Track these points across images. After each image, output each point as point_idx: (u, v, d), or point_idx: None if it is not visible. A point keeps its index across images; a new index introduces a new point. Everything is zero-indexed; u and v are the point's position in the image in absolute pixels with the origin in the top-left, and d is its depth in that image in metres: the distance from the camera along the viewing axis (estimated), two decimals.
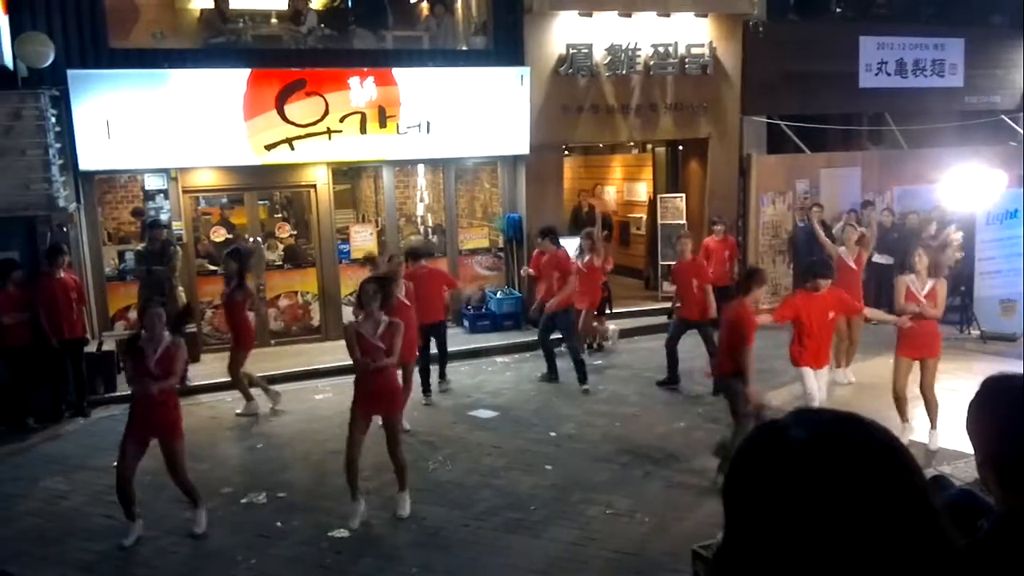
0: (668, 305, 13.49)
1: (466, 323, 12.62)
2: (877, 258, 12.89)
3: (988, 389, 2.02)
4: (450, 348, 11.48)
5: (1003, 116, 15.17)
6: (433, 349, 9.69)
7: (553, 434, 8.46)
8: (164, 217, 11.13)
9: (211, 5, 12.00)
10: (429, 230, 13.38)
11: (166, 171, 11.25)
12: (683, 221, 13.91)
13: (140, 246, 10.63)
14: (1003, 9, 15.49)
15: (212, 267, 11.88)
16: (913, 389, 7.94)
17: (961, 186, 12.35)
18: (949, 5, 15.26)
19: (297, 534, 6.53)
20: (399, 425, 6.69)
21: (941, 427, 7.85)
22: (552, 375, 10.26)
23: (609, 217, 15.72)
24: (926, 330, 7.80)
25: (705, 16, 13.07)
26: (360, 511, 6.58)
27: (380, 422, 6.69)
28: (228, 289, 9.30)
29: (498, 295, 12.62)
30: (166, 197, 11.36)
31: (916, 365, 7.88)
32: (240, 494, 7.27)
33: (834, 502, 1.06)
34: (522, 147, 12.27)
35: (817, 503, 1.06)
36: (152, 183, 11.40)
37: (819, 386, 7.67)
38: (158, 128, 10.60)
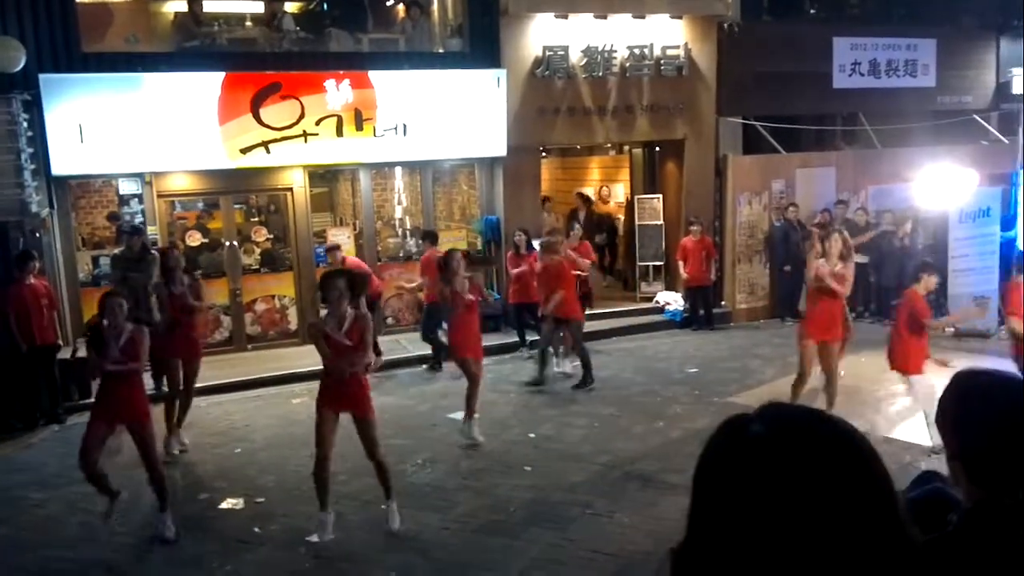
0: (650, 305, 13.64)
1: (444, 325, 12.57)
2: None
3: (957, 384, 2.04)
4: (428, 350, 11.53)
5: (975, 116, 15.34)
6: None
7: (532, 435, 8.47)
8: (139, 221, 11.04)
9: (185, 8, 11.93)
10: (407, 233, 13.35)
11: (140, 175, 11.17)
12: (660, 221, 13.98)
13: (117, 250, 10.53)
14: (973, 10, 15.69)
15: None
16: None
17: (934, 185, 12.49)
18: (921, 6, 15.42)
19: (275, 539, 6.49)
20: (374, 427, 6.37)
21: (918, 422, 7.92)
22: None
23: (613, 220, 15.70)
24: (835, 311, 7.99)
25: (680, 18, 13.13)
26: (330, 523, 6.34)
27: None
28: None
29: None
30: (141, 202, 11.27)
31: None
32: (217, 500, 7.23)
33: (793, 496, 1.07)
34: (499, 149, 12.28)
35: (776, 497, 1.07)
36: (126, 187, 11.31)
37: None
38: (132, 132, 10.52)
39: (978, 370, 2.10)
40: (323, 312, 6.70)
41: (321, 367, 6.51)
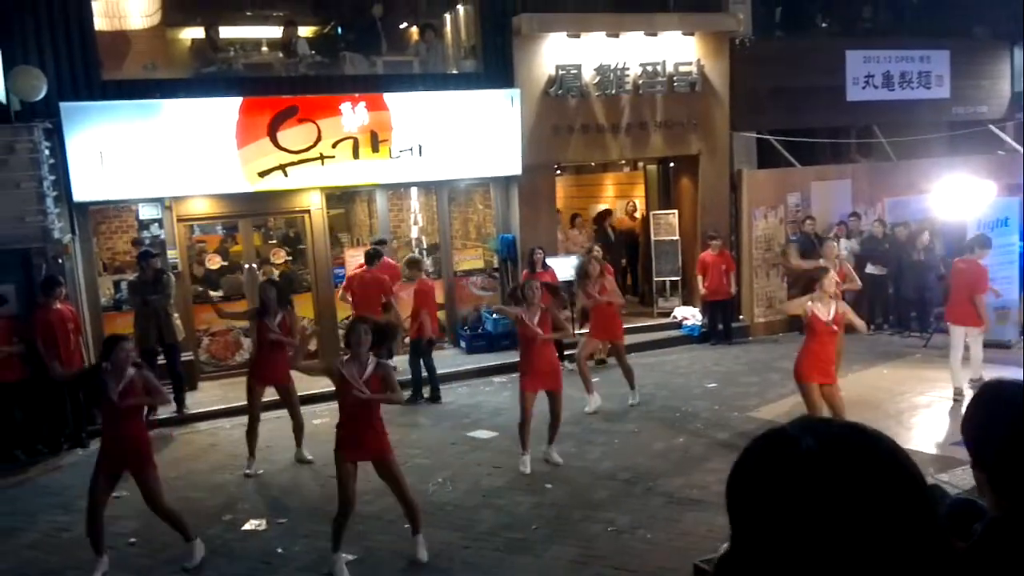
0: (667, 320, 13.63)
1: (463, 344, 12.64)
2: (870, 268, 13.00)
3: (982, 395, 2.05)
4: (448, 369, 11.58)
5: (991, 126, 15.29)
6: None
7: (544, 453, 8.46)
8: (159, 246, 11.18)
9: (202, 35, 12.11)
10: (424, 252, 13.43)
11: (160, 200, 11.29)
12: (676, 237, 13.99)
13: (133, 276, 10.65)
14: (986, 20, 15.66)
15: (212, 294, 11.94)
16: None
17: (951, 196, 12.45)
18: (933, 17, 15.41)
19: (299, 560, 6.52)
20: (395, 465, 6.29)
21: (938, 434, 7.87)
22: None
23: (636, 236, 15.66)
24: (829, 353, 7.73)
25: (692, 35, 13.18)
26: (342, 563, 6.17)
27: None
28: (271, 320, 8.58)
29: (494, 316, 12.65)
30: (160, 226, 11.40)
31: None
32: (240, 521, 7.26)
33: (847, 510, 1.07)
34: (514, 168, 12.34)
35: (830, 511, 1.07)
36: (146, 213, 11.44)
37: None
38: (151, 158, 10.65)
39: (1004, 381, 2.10)
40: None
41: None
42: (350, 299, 10.73)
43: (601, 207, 16.20)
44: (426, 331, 10.61)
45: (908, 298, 13.11)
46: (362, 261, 11.12)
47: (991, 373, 9.73)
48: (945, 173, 12.84)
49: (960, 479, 6.02)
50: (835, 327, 7.61)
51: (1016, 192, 12.84)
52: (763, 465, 1.15)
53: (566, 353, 11.06)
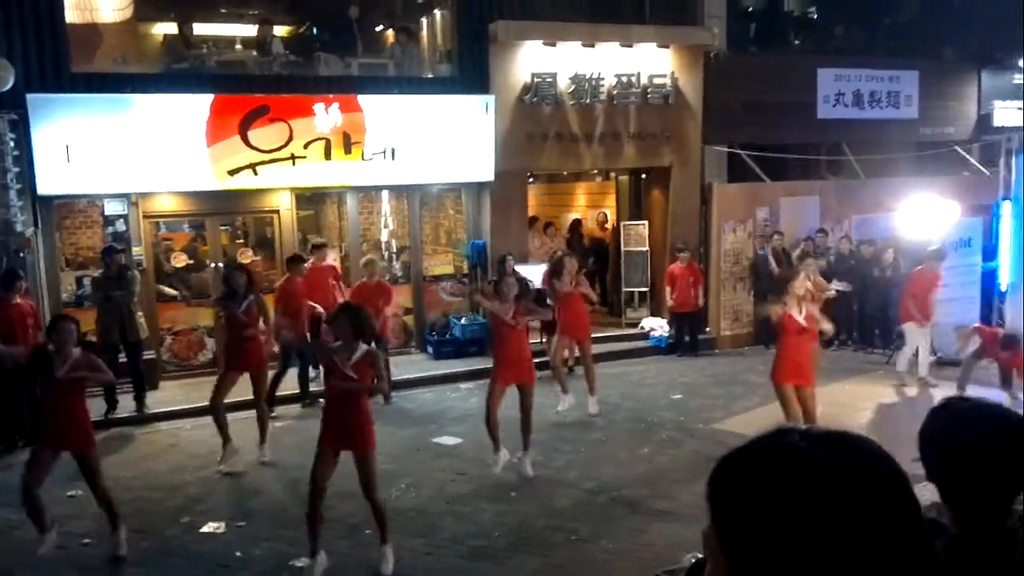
0: (635, 331, 13.67)
1: (430, 349, 12.58)
2: (835, 285, 13.11)
3: (939, 412, 2.08)
4: (414, 374, 11.53)
5: (956, 147, 15.54)
6: None
7: (517, 460, 8.43)
8: (125, 242, 11.02)
9: (175, 31, 11.98)
10: (393, 256, 13.36)
11: (127, 196, 11.13)
12: (646, 248, 14.04)
13: (97, 272, 10.48)
14: (955, 43, 15.95)
15: (172, 292, 11.77)
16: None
17: (917, 215, 12.62)
18: (904, 39, 15.66)
19: (257, 564, 6.43)
20: (374, 462, 6.22)
21: (898, 449, 7.93)
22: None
23: (607, 246, 15.69)
24: (804, 355, 7.94)
25: (667, 47, 13.27)
26: (321, 566, 6.08)
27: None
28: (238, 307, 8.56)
29: (462, 321, 12.61)
30: (126, 222, 11.24)
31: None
32: (199, 523, 7.14)
33: (856, 522, 1.04)
34: (487, 174, 12.33)
35: (840, 522, 1.04)
36: (112, 208, 11.27)
37: None
38: (119, 153, 10.51)
39: (953, 399, 2.13)
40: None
41: (313, 390, 6.46)
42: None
43: (573, 216, 16.24)
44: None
45: (872, 315, 13.26)
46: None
47: (953, 391, 9.88)
48: (911, 192, 13.02)
49: (920, 494, 6.08)
50: (805, 325, 7.79)
51: (980, 213, 13.07)
52: (775, 476, 1.08)
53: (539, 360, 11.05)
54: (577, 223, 15.85)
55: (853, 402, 10.27)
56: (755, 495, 1.07)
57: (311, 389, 10.33)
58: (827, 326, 8.23)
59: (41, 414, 6.51)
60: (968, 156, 15.61)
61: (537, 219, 14.85)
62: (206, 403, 8.76)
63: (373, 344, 6.35)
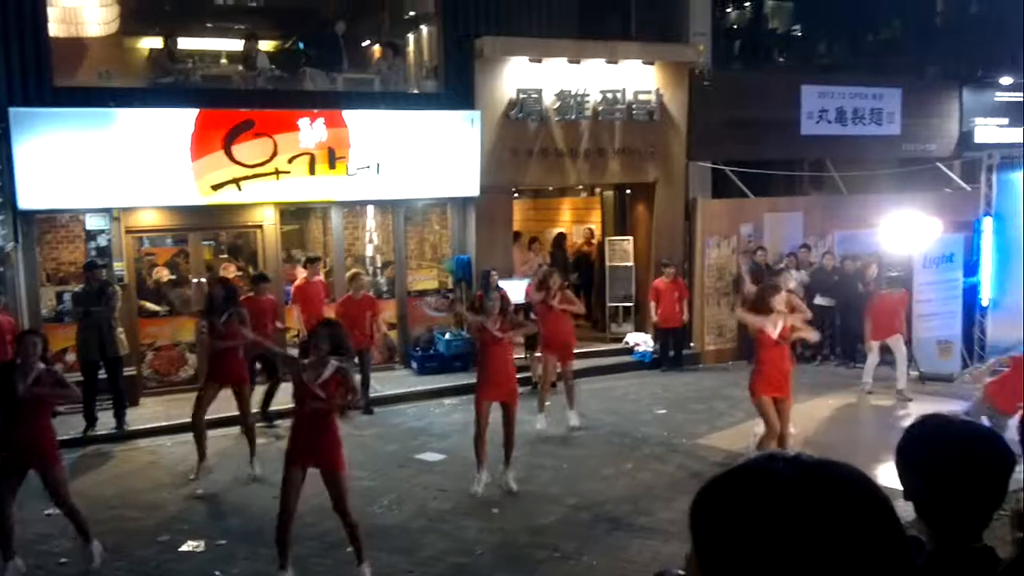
0: (619, 346, 13.67)
1: (414, 364, 12.54)
2: (819, 300, 13.19)
3: (915, 430, 2.07)
4: (398, 390, 11.49)
5: (938, 163, 15.66)
6: None
7: (499, 476, 8.38)
8: (106, 257, 10.95)
9: (160, 45, 11.95)
10: (378, 271, 13.33)
11: (109, 211, 11.07)
12: (631, 263, 14.06)
13: (78, 287, 10.41)
14: (937, 61, 16.11)
15: (154, 308, 11.69)
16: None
17: (899, 231, 12.70)
18: (886, 56, 15.81)
19: None
20: (344, 482, 6.14)
21: (880, 465, 7.95)
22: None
23: (592, 260, 15.70)
24: (783, 368, 7.95)
25: (652, 64, 13.34)
26: None
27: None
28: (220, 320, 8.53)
29: (447, 336, 12.57)
30: (108, 237, 11.18)
31: None
32: (178, 542, 7.06)
33: (829, 545, 1.04)
34: (472, 189, 12.34)
35: (813, 546, 1.03)
36: (94, 223, 11.20)
37: None
38: (102, 167, 10.46)
39: (931, 417, 2.12)
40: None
41: (291, 407, 6.39)
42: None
43: (557, 231, 16.23)
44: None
45: (855, 330, 13.29)
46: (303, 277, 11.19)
47: (933, 406, 9.91)
48: (894, 208, 13.09)
49: (902, 511, 6.08)
50: (782, 341, 7.82)
51: (961, 229, 13.16)
52: (750, 500, 1.08)
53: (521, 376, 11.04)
54: (561, 237, 15.85)
55: (836, 417, 10.29)
56: (734, 521, 1.07)
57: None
58: (809, 334, 8.28)
59: (3, 431, 6.36)
60: (950, 172, 15.73)
61: (520, 234, 14.85)
62: (187, 420, 8.70)
63: (356, 358, 6.32)
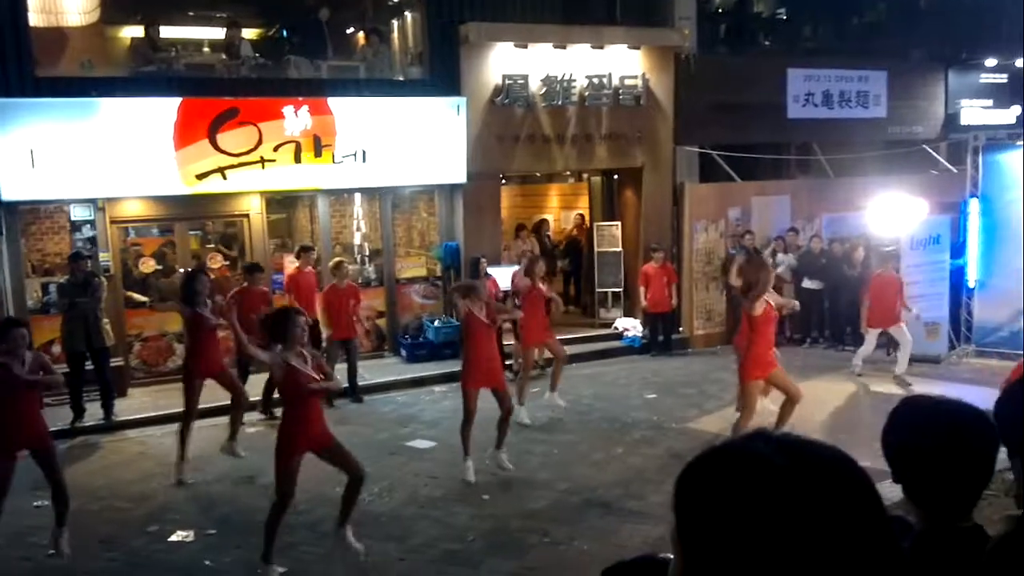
0: (609, 331, 13.68)
1: (403, 352, 12.52)
2: (807, 283, 13.23)
3: (900, 411, 2.07)
4: (388, 377, 11.48)
5: (924, 145, 15.71)
6: None
7: (491, 463, 8.39)
8: (91, 248, 10.88)
9: (141, 34, 11.84)
10: (366, 259, 13.29)
11: (93, 201, 10.99)
12: (619, 248, 14.06)
13: (63, 279, 10.33)
14: (922, 44, 16.13)
15: (140, 298, 11.61)
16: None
17: (886, 213, 12.74)
18: (872, 39, 15.82)
19: (227, 573, 6.35)
20: (339, 442, 6.35)
21: (868, 446, 8.00)
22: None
23: (581, 246, 15.69)
24: (768, 349, 8.04)
25: (638, 49, 13.31)
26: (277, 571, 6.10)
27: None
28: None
29: (436, 324, 12.56)
30: (93, 228, 11.09)
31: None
32: (167, 532, 7.04)
33: (814, 526, 1.03)
34: (459, 176, 12.29)
35: (797, 527, 1.03)
36: (79, 213, 11.12)
37: None
38: (86, 158, 10.37)
39: (915, 398, 2.12)
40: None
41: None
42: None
43: (547, 217, 16.21)
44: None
45: (843, 313, 13.35)
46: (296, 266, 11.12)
47: (921, 388, 9.99)
48: (881, 191, 13.14)
49: (889, 491, 6.12)
50: (769, 316, 7.94)
51: (948, 211, 13.21)
52: (730, 481, 1.08)
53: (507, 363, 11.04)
54: (541, 224, 15.77)
55: (825, 399, 10.33)
56: (714, 501, 1.07)
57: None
58: (789, 303, 8.38)
59: None
60: (936, 154, 15.79)
61: (524, 227, 14.93)
62: (176, 410, 8.66)
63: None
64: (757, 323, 7.93)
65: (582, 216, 16.10)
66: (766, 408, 8.84)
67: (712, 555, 1.06)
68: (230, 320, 7.17)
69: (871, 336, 11.44)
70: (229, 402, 8.85)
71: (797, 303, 9.41)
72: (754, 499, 1.04)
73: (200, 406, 8.62)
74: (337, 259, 11.35)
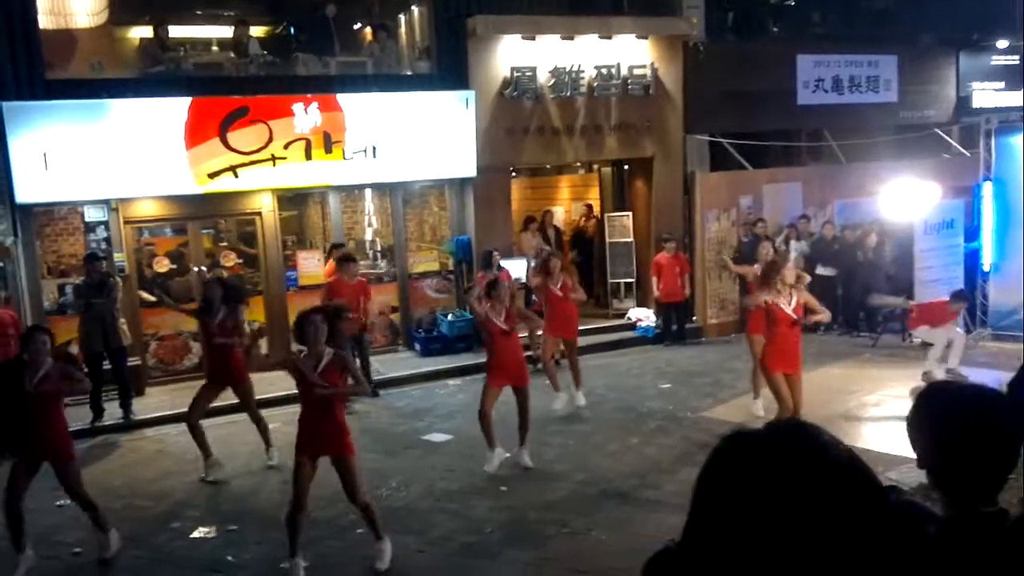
0: (622, 321, 13.68)
1: (417, 346, 12.56)
2: (820, 270, 13.18)
3: (923, 399, 2.07)
4: (402, 372, 11.53)
5: (936, 130, 15.62)
6: None
7: (507, 455, 8.41)
8: (91, 248, 10.94)
9: (150, 34, 11.88)
10: (378, 254, 13.33)
11: (107, 202, 11.06)
12: (630, 239, 14.05)
13: (79, 279, 10.40)
14: (932, 27, 16.01)
15: (150, 298, 11.67)
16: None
17: (899, 198, 12.69)
18: (882, 23, 15.72)
19: (249, 568, 6.40)
20: (353, 467, 6.15)
21: (887, 432, 7.99)
22: None
23: (592, 238, 15.69)
24: (794, 343, 7.89)
25: (646, 38, 13.27)
26: (300, 568, 6.06)
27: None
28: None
29: (449, 318, 12.59)
30: (107, 228, 11.16)
31: None
32: (189, 529, 7.11)
33: (799, 512, 1.07)
34: (469, 170, 12.30)
35: (785, 506, 1.07)
36: (92, 215, 11.19)
37: None
38: (98, 159, 10.43)
39: (943, 384, 2.13)
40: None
41: (295, 393, 6.40)
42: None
43: (552, 209, 16.10)
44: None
45: (857, 299, 13.31)
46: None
47: (942, 374, 9.94)
48: (893, 176, 13.07)
49: (907, 476, 6.11)
50: (795, 316, 7.76)
51: (961, 195, 13.14)
52: (720, 461, 1.17)
53: (527, 355, 11.09)
54: (546, 215, 15.63)
55: (840, 386, 10.31)
56: (715, 479, 1.16)
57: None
58: (821, 315, 8.17)
59: (17, 427, 6.41)
60: (948, 138, 15.70)
61: (534, 219, 14.89)
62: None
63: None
64: (769, 316, 7.88)
65: (589, 207, 16.06)
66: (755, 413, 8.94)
67: (710, 530, 1.14)
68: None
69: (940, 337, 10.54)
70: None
71: (827, 316, 8.68)
72: (740, 481, 1.11)
73: (216, 404, 8.65)
74: (344, 252, 11.30)
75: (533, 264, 11.14)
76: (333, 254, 11.26)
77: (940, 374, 9.95)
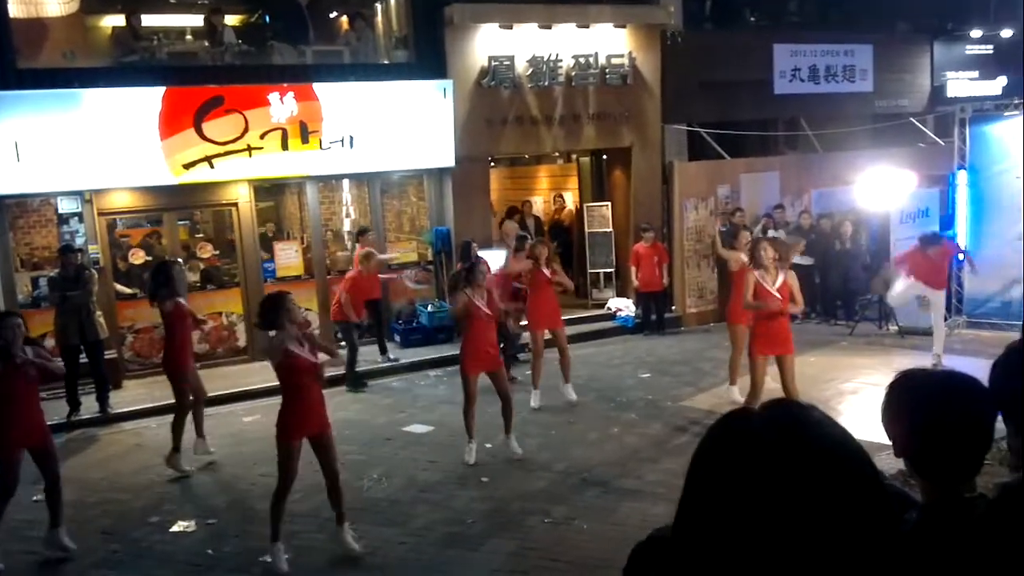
0: (601, 311, 13.71)
1: (398, 337, 12.51)
2: (797, 259, 13.21)
3: (897, 385, 2.08)
4: (383, 362, 11.50)
5: (912, 119, 15.74)
6: None
7: (489, 445, 8.40)
8: (79, 240, 10.82)
9: (123, 23, 11.72)
10: (356, 245, 13.22)
11: (80, 193, 10.92)
12: (610, 229, 14.07)
13: (53, 272, 10.27)
14: (908, 16, 16.13)
15: (126, 290, 11.56)
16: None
17: (875, 187, 12.78)
18: (857, 13, 15.80)
19: (229, 561, 6.36)
20: (333, 441, 6.35)
21: (864, 420, 8.05)
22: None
23: (569, 228, 15.70)
24: (781, 326, 7.95)
25: (623, 27, 13.26)
26: (282, 552, 6.10)
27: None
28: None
29: (429, 308, 12.56)
30: (81, 220, 11.03)
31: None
32: (168, 523, 7.04)
33: (794, 494, 1.07)
34: (447, 160, 12.26)
35: (778, 487, 1.08)
36: (66, 206, 11.05)
37: None
38: (71, 150, 10.29)
39: (916, 370, 2.14)
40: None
41: (275, 385, 6.37)
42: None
43: (530, 199, 16.09)
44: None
45: (834, 288, 13.42)
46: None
47: (914, 361, 10.04)
48: (869, 165, 13.16)
49: (885, 463, 6.16)
50: (778, 297, 7.81)
51: (936, 183, 13.26)
52: (715, 443, 1.18)
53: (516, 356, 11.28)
54: (524, 205, 15.60)
55: (817, 374, 10.39)
56: (710, 460, 1.17)
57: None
58: (797, 305, 8.21)
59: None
60: (923, 127, 15.83)
61: (518, 210, 14.89)
62: (171, 401, 8.61)
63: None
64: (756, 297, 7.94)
65: (562, 197, 16.07)
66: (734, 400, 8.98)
67: (702, 512, 1.14)
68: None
69: (938, 301, 10.65)
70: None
71: (800, 308, 8.58)
72: (734, 462, 1.12)
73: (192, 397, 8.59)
74: (367, 250, 11.14)
75: (510, 250, 11.05)
76: (361, 239, 11.40)
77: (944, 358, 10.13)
